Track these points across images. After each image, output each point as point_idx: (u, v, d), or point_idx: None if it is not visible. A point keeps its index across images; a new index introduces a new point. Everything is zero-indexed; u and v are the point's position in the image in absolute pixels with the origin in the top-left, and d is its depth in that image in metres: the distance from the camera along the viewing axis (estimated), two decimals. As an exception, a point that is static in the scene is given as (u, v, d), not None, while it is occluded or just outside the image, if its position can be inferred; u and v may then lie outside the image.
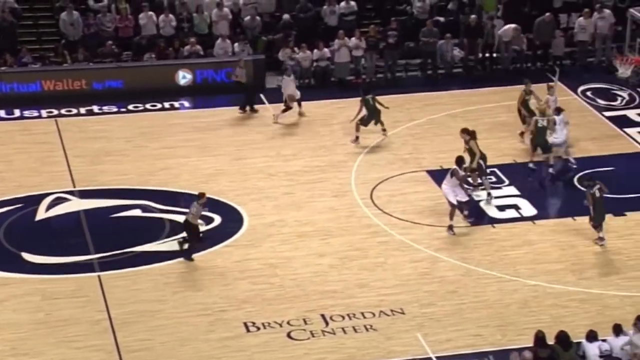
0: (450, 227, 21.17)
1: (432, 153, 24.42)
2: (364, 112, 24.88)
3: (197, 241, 20.34)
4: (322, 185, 23.07)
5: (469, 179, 22.36)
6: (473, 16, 29.23)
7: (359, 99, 24.92)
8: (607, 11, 29.61)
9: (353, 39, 28.59)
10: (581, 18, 29.52)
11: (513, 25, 29.01)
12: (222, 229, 21.39)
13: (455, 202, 21.08)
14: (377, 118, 24.98)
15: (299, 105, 26.37)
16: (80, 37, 28.83)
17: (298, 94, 26.38)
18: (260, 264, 20.17)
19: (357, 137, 24.85)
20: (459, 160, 21.39)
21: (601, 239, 20.61)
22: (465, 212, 21.58)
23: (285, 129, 25.91)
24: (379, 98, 25.12)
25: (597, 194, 20.43)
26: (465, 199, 21.31)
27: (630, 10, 29.53)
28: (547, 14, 29.43)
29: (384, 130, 25.16)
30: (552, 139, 23.54)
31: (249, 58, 28.30)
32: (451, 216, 21.14)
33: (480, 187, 22.52)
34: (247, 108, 26.71)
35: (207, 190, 22.73)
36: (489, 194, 22.27)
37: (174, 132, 25.77)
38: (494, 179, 23.23)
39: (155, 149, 24.89)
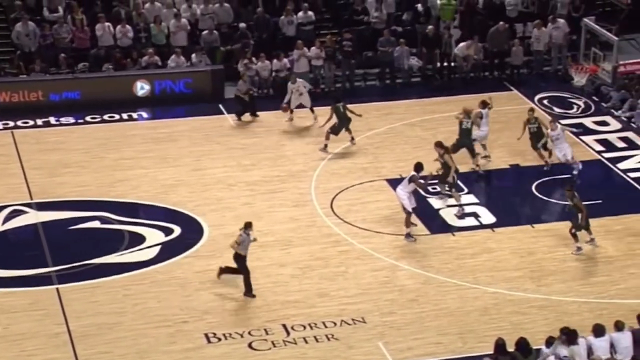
0: (409, 235, 21.24)
1: (391, 162, 24.51)
2: (335, 120, 24.92)
3: (247, 273, 19.23)
4: (282, 195, 23.06)
5: (445, 190, 22.45)
6: (430, 26, 29.42)
7: (330, 107, 25.01)
8: (561, 21, 29.97)
9: (313, 48, 28.64)
10: (535, 29, 29.86)
11: (467, 42, 29.23)
12: (182, 239, 21.30)
13: (410, 210, 21.14)
14: (347, 127, 24.99)
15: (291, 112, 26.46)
16: (36, 49, 28.57)
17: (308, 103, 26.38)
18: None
19: (325, 146, 24.88)
20: (418, 167, 21.47)
21: (579, 248, 20.74)
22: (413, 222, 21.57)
23: (244, 139, 25.86)
24: (349, 106, 25.20)
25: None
26: (414, 206, 21.33)
27: (585, 20, 29.91)
28: (501, 22, 29.71)
29: (352, 138, 25.18)
30: (476, 132, 23.92)
31: (207, 69, 28.24)
32: (407, 223, 21.22)
33: (449, 198, 22.59)
34: (239, 117, 26.66)
35: (167, 201, 22.73)
36: (461, 207, 22.32)
37: (133, 143, 25.62)
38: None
39: (113, 160, 24.72)
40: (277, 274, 20.16)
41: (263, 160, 24.76)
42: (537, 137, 24.01)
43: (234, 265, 19.44)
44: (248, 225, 19.18)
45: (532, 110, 24.63)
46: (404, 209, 21.17)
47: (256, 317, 18.77)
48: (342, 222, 21.98)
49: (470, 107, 24.39)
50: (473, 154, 24.08)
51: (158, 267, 20.32)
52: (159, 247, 21.04)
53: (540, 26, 29.67)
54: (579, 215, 20.66)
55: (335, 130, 24.92)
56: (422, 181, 21.32)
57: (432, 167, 22.75)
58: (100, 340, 18.12)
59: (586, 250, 20.89)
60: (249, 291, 19.30)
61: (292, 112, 26.56)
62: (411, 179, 21.14)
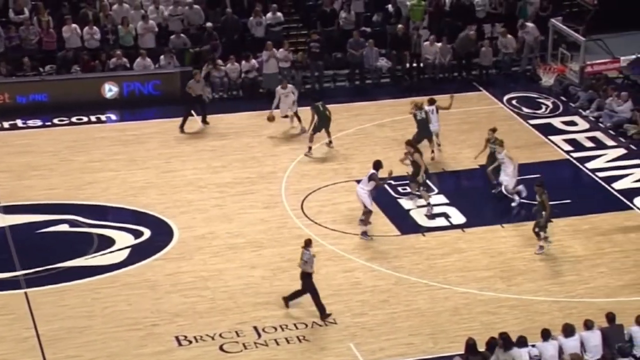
0: (365, 233, 21.29)
1: (361, 163, 24.55)
2: (316, 119, 24.90)
3: (315, 292, 18.65)
4: (253, 197, 23.04)
5: (415, 190, 22.53)
6: (400, 26, 29.50)
7: (310, 107, 24.99)
8: (530, 25, 30.19)
9: (281, 50, 28.63)
10: (500, 37, 30.07)
11: (437, 45, 29.39)
12: (152, 242, 21.21)
13: (371, 208, 21.19)
14: (327, 126, 24.98)
15: (294, 118, 26.06)
16: (2, 51, 28.33)
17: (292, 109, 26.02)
18: (192, 277, 20.04)
19: (310, 148, 24.81)
20: (377, 165, 21.51)
21: (541, 247, 20.90)
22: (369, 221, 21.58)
23: (214, 141, 25.81)
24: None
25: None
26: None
27: (552, 21, 30.13)
28: (467, 27, 29.87)
29: (330, 142, 25.17)
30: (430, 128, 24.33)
31: (176, 70, 28.15)
32: (366, 222, 21.24)
33: (419, 199, 22.68)
34: (182, 124, 26.33)
35: (136, 203, 22.62)
36: (429, 204, 22.40)
37: (101, 146, 25.49)
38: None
39: (82, 162, 24.57)
40: (248, 275, 20.13)
41: (233, 162, 24.72)
42: (492, 160, 23.27)
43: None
44: (308, 243, 18.61)
45: (493, 130, 23.35)
46: (365, 207, 21.20)
47: (227, 320, 18.73)
48: (312, 224, 21.99)
49: (420, 100, 24.48)
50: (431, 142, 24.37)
51: (128, 270, 20.22)
52: (129, 249, 20.95)
53: (505, 34, 29.91)
54: (543, 213, 20.84)
55: (316, 129, 24.84)
56: (380, 180, 21.33)
57: (401, 167, 22.86)
58: (70, 344, 18.00)
59: (555, 250, 21.04)
60: (322, 312, 18.62)
61: (288, 117, 26.13)
62: (371, 177, 21.19)
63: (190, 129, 26.31)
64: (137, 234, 21.41)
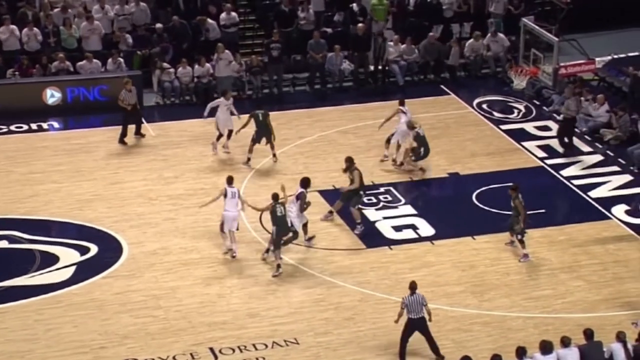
0: (310, 239, 21.43)
1: (324, 172, 24.59)
2: (253, 128, 24.79)
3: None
4: (208, 209, 22.89)
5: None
6: (360, 25, 29.55)
7: (248, 114, 24.90)
8: (500, 35, 30.49)
9: (233, 63, 28.42)
10: (472, 40, 30.33)
11: (402, 46, 29.57)
12: (100, 259, 21.07)
13: (299, 229, 21.09)
14: (267, 137, 24.90)
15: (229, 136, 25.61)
16: None
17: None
18: (142, 296, 19.92)
19: (248, 159, 24.77)
20: (304, 183, 21.43)
21: (526, 255, 21.07)
22: (307, 236, 21.60)
23: (166, 150, 25.71)
24: (272, 114, 25.18)
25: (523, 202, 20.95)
26: (305, 221, 21.35)
27: (523, 20, 30.39)
28: (431, 34, 30.14)
29: (274, 155, 25.02)
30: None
31: (124, 74, 28.01)
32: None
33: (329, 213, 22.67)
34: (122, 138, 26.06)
35: (82, 217, 22.47)
36: (360, 225, 22.17)
37: (44, 156, 25.31)
38: (390, 198, 23.54)
39: (22, 174, 24.38)
40: (203, 293, 20.05)
41: (186, 172, 24.64)
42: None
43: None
44: (413, 286, 17.97)
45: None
46: (294, 229, 20.94)
47: (181, 341, 18.63)
48: (272, 237, 21.97)
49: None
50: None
51: (73, 289, 20.06)
52: (74, 267, 20.80)
53: (478, 38, 30.18)
54: (519, 219, 20.99)
55: (255, 140, 24.72)
56: (305, 202, 21.09)
57: (376, 177, 22.93)
58: (11, 370, 17.84)
59: (530, 263, 21.17)
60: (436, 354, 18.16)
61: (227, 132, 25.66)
62: (298, 197, 21.13)
63: (143, 137, 26.19)
64: (83, 250, 21.26)
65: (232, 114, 25.34)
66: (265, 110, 24.99)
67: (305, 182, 21.52)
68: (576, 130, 27.12)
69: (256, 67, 28.85)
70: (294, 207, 21.10)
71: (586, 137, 26.85)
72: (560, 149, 25.95)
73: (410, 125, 24.34)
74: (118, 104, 25.80)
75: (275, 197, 20.89)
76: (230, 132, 25.40)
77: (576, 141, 26.65)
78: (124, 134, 25.96)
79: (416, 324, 17.96)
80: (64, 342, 18.53)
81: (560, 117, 26.97)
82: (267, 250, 21.04)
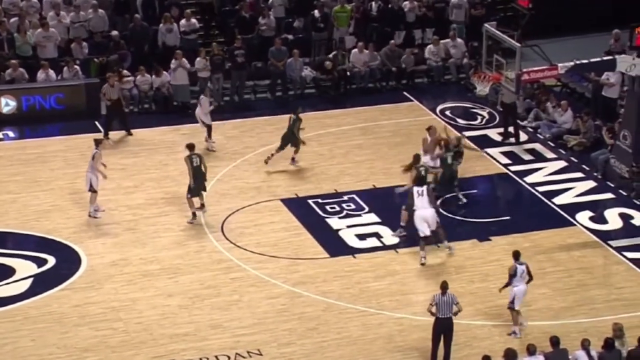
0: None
1: (286, 180, 24.64)
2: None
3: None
4: (168, 219, 22.94)
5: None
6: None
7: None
8: (459, 40, 30.80)
9: (198, 59, 28.57)
10: (431, 45, 30.57)
11: (364, 54, 29.72)
12: (57, 270, 20.98)
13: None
14: (293, 142, 24.89)
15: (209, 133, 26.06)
16: None
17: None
18: (102, 308, 19.86)
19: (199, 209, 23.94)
20: (97, 142, 22.99)
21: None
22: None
23: (125, 159, 25.64)
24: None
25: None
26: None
27: (486, 25, 30.61)
28: (392, 41, 30.29)
29: (293, 159, 25.13)
30: None
31: (81, 82, 27.92)
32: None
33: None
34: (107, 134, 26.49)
35: (39, 228, 22.35)
36: (403, 227, 22.43)
37: (-2, 166, 25.20)
38: (353, 206, 23.64)
39: (-23, 184, 24.27)
40: (163, 305, 20.01)
41: (146, 181, 24.59)
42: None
43: None
44: (444, 286, 18.20)
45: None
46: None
47: (142, 353, 18.59)
48: (234, 247, 21.97)
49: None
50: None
51: (30, 302, 19.95)
52: (31, 279, 20.69)
53: (437, 43, 30.43)
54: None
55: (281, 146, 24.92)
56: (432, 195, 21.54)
57: (330, 184, 22.95)
58: (-33, 386, 17.72)
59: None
60: None
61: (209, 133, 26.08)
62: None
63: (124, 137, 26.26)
64: (41, 262, 21.15)
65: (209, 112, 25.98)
66: (298, 116, 25.09)
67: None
68: (539, 136, 27.42)
69: (217, 55, 28.70)
70: (424, 199, 21.31)
71: (550, 143, 27.12)
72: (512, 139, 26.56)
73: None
74: (100, 97, 26.38)
75: (190, 146, 22.60)
76: (209, 127, 25.84)
77: (540, 147, 26.92)
78: (107, 129, 26.23)
79: (444, 324, 18.08)
80: (21, 357, 18.41)
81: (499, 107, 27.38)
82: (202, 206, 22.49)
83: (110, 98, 26.32)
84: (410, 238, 22.39)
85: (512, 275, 19.06)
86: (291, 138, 25.00)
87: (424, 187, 21.53)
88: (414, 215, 21.43)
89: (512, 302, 19.06)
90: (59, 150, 26.00)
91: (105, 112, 26.70)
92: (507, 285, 19.12)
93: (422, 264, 21.29)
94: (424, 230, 21.29)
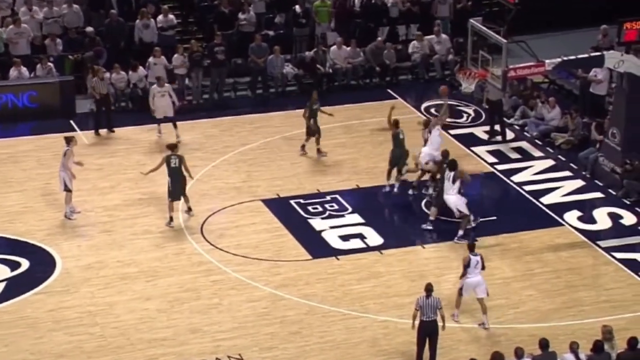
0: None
1: (267, 180, 24.57)
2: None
3: None
4: (146, 221, 22.84)
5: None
6: (304, 29, 29.57)
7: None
8: (443, 36, 30.80)
9: (176, 56, 28.44)
10: (415, 41, 30.56)
11: (347, 50, 29.68)
12: (31, 274, 20.88)
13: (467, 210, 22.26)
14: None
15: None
16: None
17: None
18: (78, 312, 19.76)
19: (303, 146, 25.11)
20: (453, 164, 22.51)
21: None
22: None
23: (101, 159, 25.52)
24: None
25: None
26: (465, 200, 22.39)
27: (471, 21, 30.59)
28: (379, 38, 30.29)
29: (319, 150, 25.37)
30: None
31: (55, 80, 27.75)
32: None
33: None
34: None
35: (12, 230, 22.21)
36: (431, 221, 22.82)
37: (-30, 166, 25.05)
38: (336, 207, 23.58)
39: (-53, 185, 24.11)
40: (142, 308, 19.91)
41: (123, 181, 24.48)
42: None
43: None
44: (429, 288, 18.46)
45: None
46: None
47: (119, 359, 18.47)
48: (214, 249, 21.89)
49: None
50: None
51: (3, 307, 19.83)
52: (4, 283, 20.59)
53: (420, 39, 30.43)
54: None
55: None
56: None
57: (313, 184, 22.89)
58: (-62, 394, 17.56)
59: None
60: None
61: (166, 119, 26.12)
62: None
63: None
64: (14, 265, 21.05)
65: (173, 103, 25.97)
66: (318, 106, 25.47)
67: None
68: (526, 134, 27.41)
69: (197, 52, 28.61)
70: (453, 190, 22.03)
71: (537, 141, 27.13)
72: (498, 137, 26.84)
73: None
74: (89, 91, 26.47)
75: (172, 146, 22.66)
76: (171, 120, 25.90)
77: (527, 146, 26.92)
78: (97, 124, 26.33)
79: (428, 327, 18.11)
80: (-6, 363, 18.33)
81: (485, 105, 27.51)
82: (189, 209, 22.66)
83: (100, 92, 26.27)
84: (397, 239, 22.34)
85: (466, 265, 19.54)
86: (313, 127, 25.25)
87: (452, 173, 22.31)
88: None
89: (461, 289, 19.67)
90: (32, 150, 25.88)
91: (94, 107, 26.81)
92: (462, 275, 19.63)
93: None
94: (455, 213, 22.33)
